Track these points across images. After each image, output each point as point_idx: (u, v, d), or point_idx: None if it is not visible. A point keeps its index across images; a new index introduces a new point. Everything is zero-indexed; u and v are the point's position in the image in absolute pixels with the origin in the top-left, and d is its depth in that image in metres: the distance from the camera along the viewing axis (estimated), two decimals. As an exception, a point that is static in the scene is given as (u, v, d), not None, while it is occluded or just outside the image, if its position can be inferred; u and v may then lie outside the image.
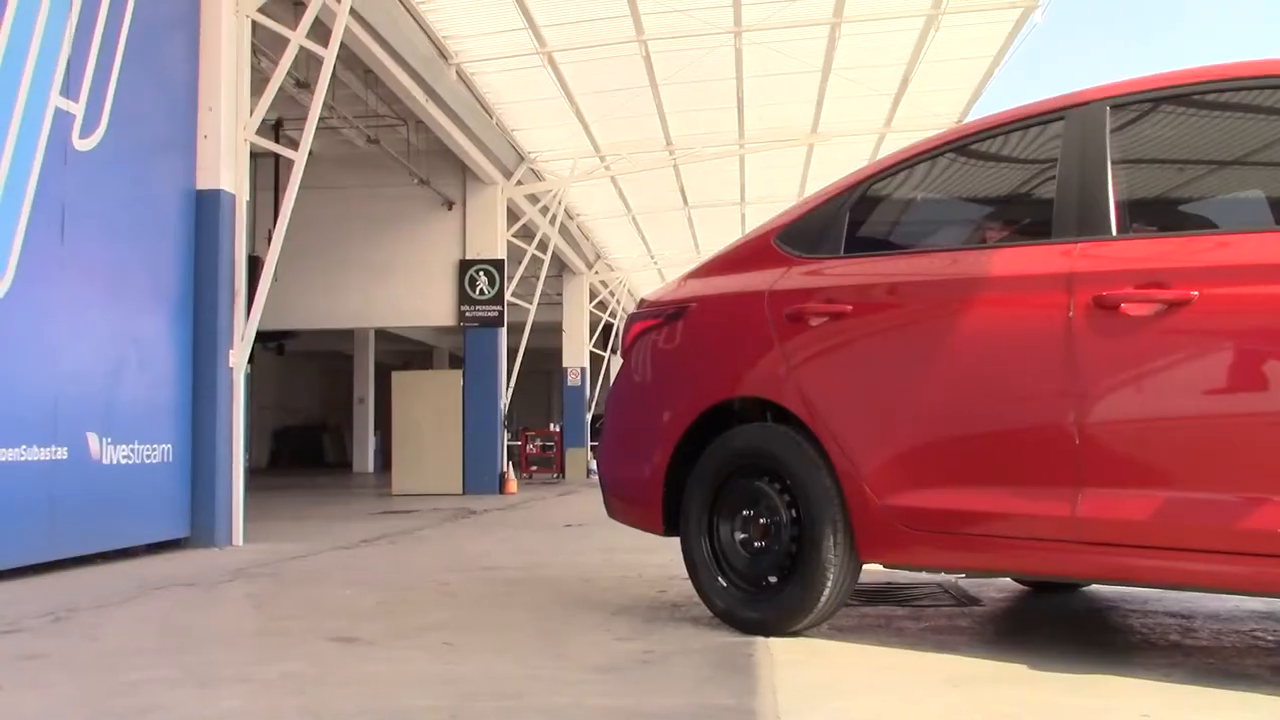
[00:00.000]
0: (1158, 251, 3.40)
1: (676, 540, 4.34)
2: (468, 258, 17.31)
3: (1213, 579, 3.24)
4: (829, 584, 3.84)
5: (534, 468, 23.68)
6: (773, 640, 3.91)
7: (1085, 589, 5.06)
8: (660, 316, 4.60)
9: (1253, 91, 3.51)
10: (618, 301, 28.93)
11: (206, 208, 8.27)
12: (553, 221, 19.04)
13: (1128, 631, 4.16)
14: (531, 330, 19.34)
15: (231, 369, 8.34)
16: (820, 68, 14.50)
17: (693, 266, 4.89)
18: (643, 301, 4.92)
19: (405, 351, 33.01)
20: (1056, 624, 4.40)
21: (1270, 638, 3.89)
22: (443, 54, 13.59)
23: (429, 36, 13.12)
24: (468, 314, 17.23)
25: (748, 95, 15.46)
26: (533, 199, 18.62)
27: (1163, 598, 4.76)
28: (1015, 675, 3.37)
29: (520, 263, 18.93)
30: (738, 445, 4.18)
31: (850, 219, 4.20)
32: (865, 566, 3.94)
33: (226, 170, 8.38)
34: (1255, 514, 3.03)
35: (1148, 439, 3.27)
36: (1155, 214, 3.76)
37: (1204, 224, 3.81)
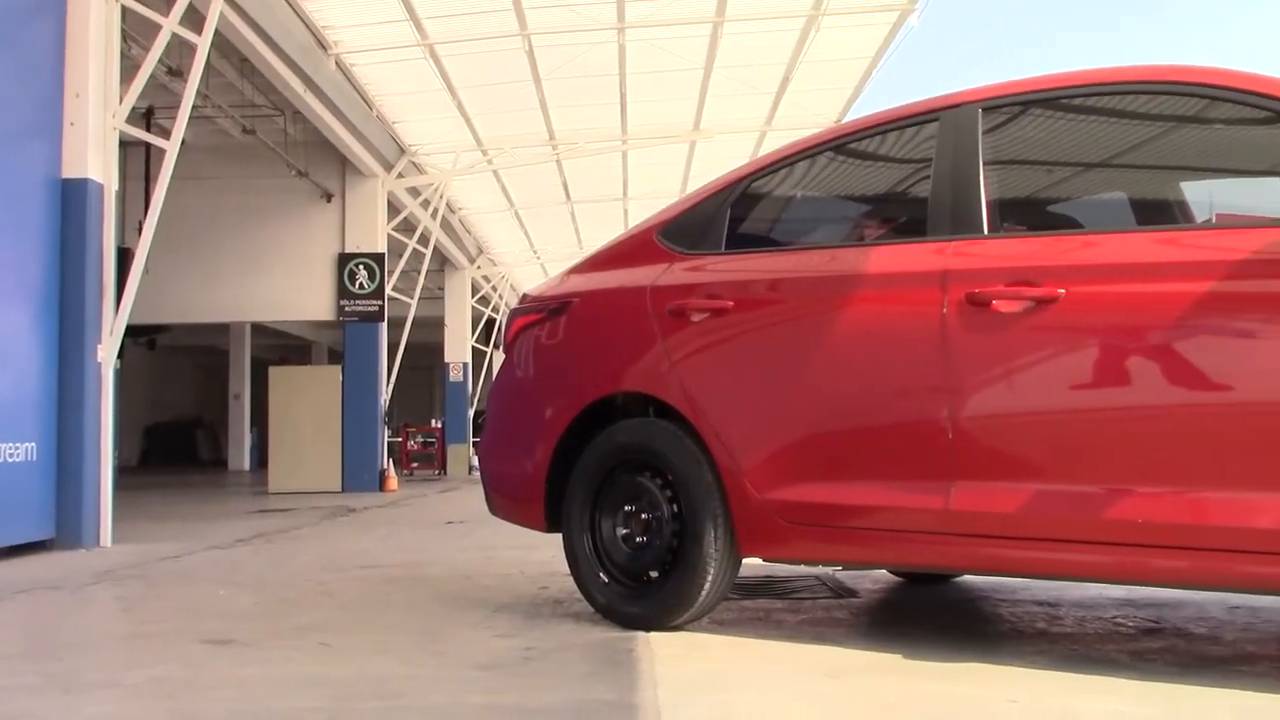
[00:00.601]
0: (1027, 250, 3.49)
1: (559, 536, 4.32)
2: (347, 251, 17.03)
3: (1078, 568, 3.34)
4: (709, 578, 3.87)
5: (415, 464, 23.45)
6: (654, 635, 3.92)
7: (957, 579, 5.18)
8: (543, 312, 4.59)
9: (1117, 96, 3.62)
10: (500, 296, 28.77)
11: (73, 197, 7.99)
12: (434, 215, 18.85)
13: (998, 620, 4.28)
14: (413, 325, 19.11)
15: (100, 364, 8.09)
16: (702, 65, 14.61)
17: (576, 262, 4.89)
18: (525, 296, 4.90)
19: (283, 346, 32.37)
20: (930, 614, 4.50)
21: (1130, 624, 4.03)
22: (321, 44, 13.35)
23: (307, 26, 12.87)
24: (347, 308, 16.95)
25: (631, 91, 15.50)
26: (414, 192, 18.40)
27: (1030, 587, 4.90)
28: (890, 665, 3.43)
29: (401, 257, 18.70)
30: (620, 441, 4.19)
31: (732, 215, 4.23)
32: (745, 560, 3.98)
33: (94, 158, 8.12)
34: (1118, 504, 3.14)
35: (1017, 433, 3.36)
36: (1025, 213, 3.86)
37: (1071, 224, 3.94)
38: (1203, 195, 3.79)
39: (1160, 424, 3.13)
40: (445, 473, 23.52)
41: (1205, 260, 3.13)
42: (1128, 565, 3.19)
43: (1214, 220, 3.63)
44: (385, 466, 16.91)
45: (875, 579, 5.29)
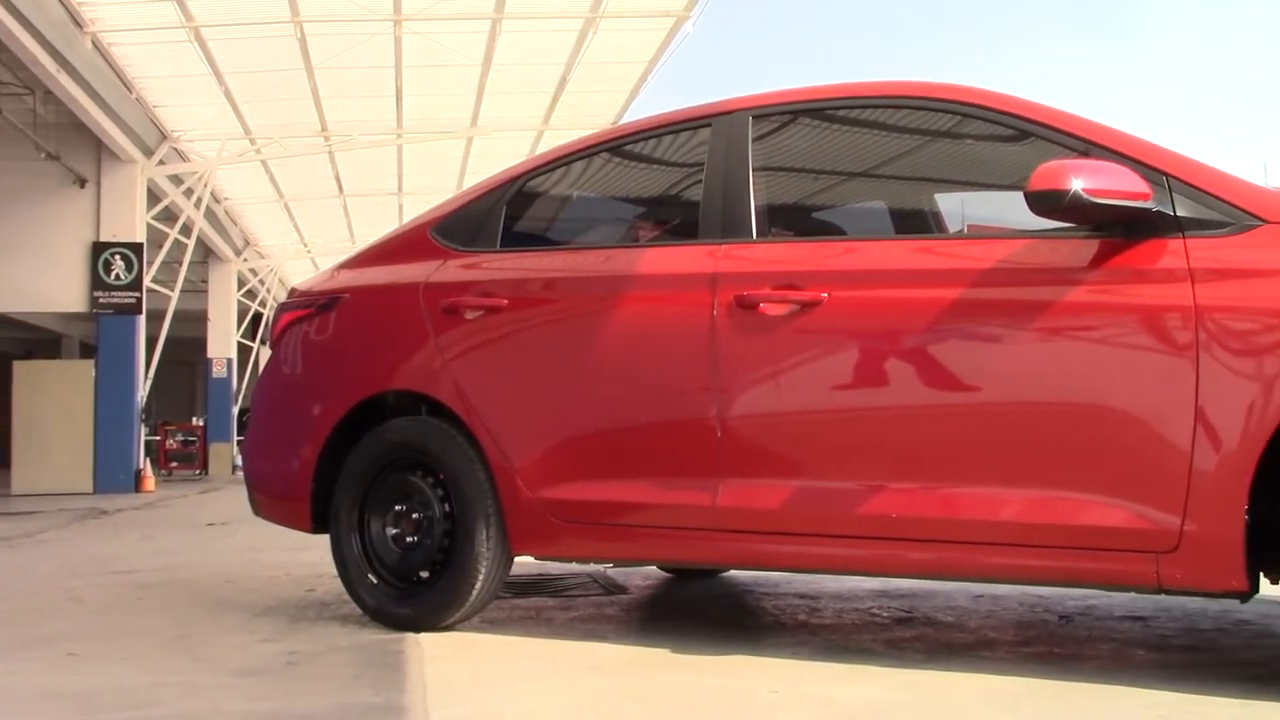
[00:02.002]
0: (793, 255, 3.60)
1: (326, 538, 4.22)
2: (102, 240, 16.15)
3: (838, 562, 3.48)
4: (481, 578, 3.84)
5: (174, 464, 22.53)
6: (423, 636, 3.87)
7: (724, 574, 5.31)
8: (311, 307, 4.47)
9: (878, 109, 3.78)
10: (268, 290, 27.86)
11: None
12: (198, 205, 18.11)
13: (761, 613, 4.41)
14: (174, 319, 18.31)
15: None
16: (481, 61, 14.53)
17: (347, 256, 4.78)
18: (293, 291, 4.76)
19: (29, 339, 30.44)
20: (697, 609, 4.59)
21: (884, 614, 4.22)
22: (77, 20, 12.65)
23: (61, 1, 12.16)
24: (101, 300, 16.08)
25: (407, 85, 15.28)
26: (176, 180, 17.64)
27: (793, 580, 5.06)
28: (659, 660, 3.49)
29: (162, 247, 17.86)
30: (391, 439, 4.12)
31: (507, 213, 4.22)
32: (518, 559, 3.97)
33: None
34: (875, 500, 3.28)
35: (782, 431, 3.47)
36: (792, 219, 3.99)
37: (835, 230, 4.09)
38: (956, 206, 4.00)
39: (914, 423, 3.28)
40: (207, 473, 22.64)
41: (957, 268, 3.30)
42: (883, 558, 3.34)
43: (966, 230, 3.84)
44: (141, 466, 16.14)
45: (646, 575, 5.37)
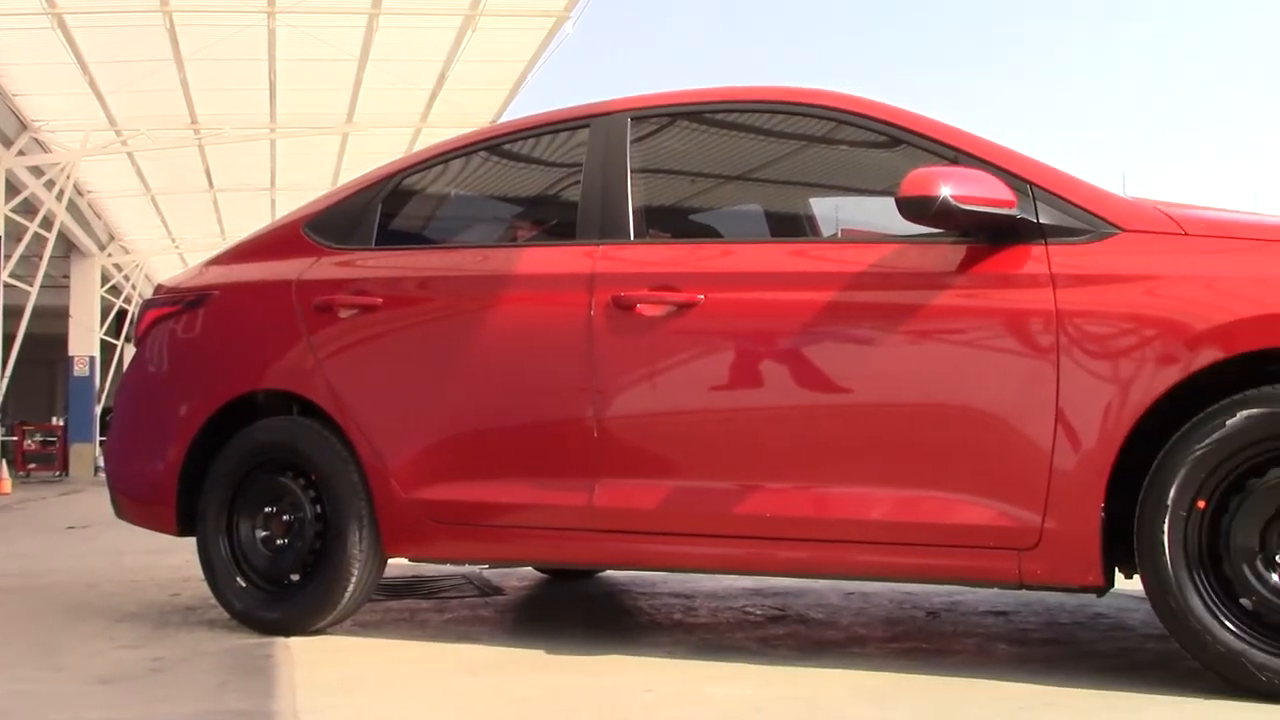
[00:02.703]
0: (670, 256, 3.62)
1: (193, 540, 4.11)
2: (-45, 232, 15.50)
3: (713, 561, 3.52)
4: (353, 580, 3.79)
5: (33, 465, 21.73)
6: (293, 640, 3.80)
7: (601, 574, 5.32)
8: (179, 304, 4.35)
9: (754, 114, 3.83)
10: (134, 287, 27.04)
11: None
12: (60, 197, 17.49)
13: (637, 613, 4.42)
14: (33, 315, 17.64)
15: None
16: (357, 56, 14.31)
17: (217, 252, 4.67)
18: (160, 287, 4.63)
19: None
20: (573, 609, 4.59)
21: (758, 612, 4.27)
22: (-72, 3, 12.12)
23: (-88, -18, 11.65)
24: (-46, 295, 15.42)
25: (281, 78, 14.96)
26: (37, 172, 17.00)
27: (669, 580, 5.09)
28: (533, 661, 3.48)
29: (20, 241, 17.20)
30: (261, 439, 4.03)
31: (383, 211, 4.16)
32: (392, 560, 3.93)
33: None
34: (749, 500, 3.32)
35: (659, 432, 3.49)
36: (670, 221, 4.01)
37: (711, 233, 4.13)
38: (831, 211, 4.07)
39: (788, 424, 3.33)
40: (67, 474, 21.87)
41: (831, 271, 3.35)
42: (758, 557, 3.39)
43: (840, 234, 3.91)
44: (-3, 468, 15.53)
45: (522, 576, 5.35)
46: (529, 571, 5.38)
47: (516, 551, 3.76)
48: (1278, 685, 2.72)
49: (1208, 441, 2.81)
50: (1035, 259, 3.06)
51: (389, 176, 4.23)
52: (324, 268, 4.07)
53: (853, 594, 4.59)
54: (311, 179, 19.18)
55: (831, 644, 3.67)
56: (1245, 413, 2.79)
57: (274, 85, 15.19)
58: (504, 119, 15.22)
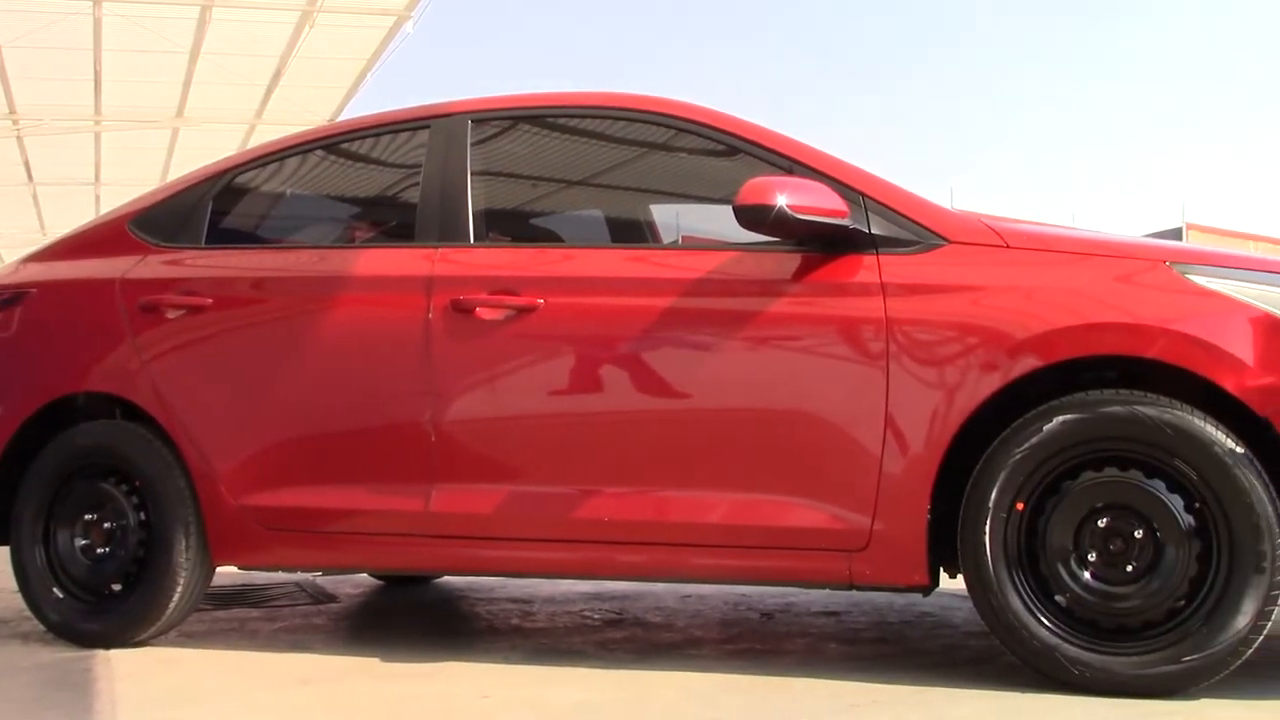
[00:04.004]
0: (510, 260, 3.61)
1: (4, 550, 3.92)
2: None
3: (551, 565, 3.52)
4: (179, 590, 3.66)
5: None
6: (115, 653, 3.66)
7: (437, 580, 5.26)
8: (-8, 302, 4.15)
9: (595, 120, 3.84)
10: (-55, 283, 25.65)
11: None
12: None
13: (474, 619, 4.39)
14: None
15: None
16: (189, 49, 13.90)
17: (36, 249, 4.47)
18: (-28, 285, 4.40)
19: None
20: (409, 616, 4.53)
21: (596, 616, 4.29)
22: None
23: None
24: None
25: (107, 69, 14.44)
26: None
27: (506, 585, 5.07)
28: (367, 669, 3.42)
29: None
30: (81, 444, 3.87)
31: (214, 209, 4.04)
32: (220, 569, 3.82)
33: None
34: (587, 504, 3.33)
35: (497, 436, 3.47)
36: (511, 225, 4.00)
37: (552, 237, 4.13)
38: (671, 217, 4.12)
39: (626, 429, 3.35)
40: None
41: (670, 278, 3.39)
42: (596, 561, 3.41)
43: (680, 241, 3.96)
44: None
45: (356, 583, 5.25)
46: (364, 578, 5.29)
47: (351, 558, 3.70)
48: (1089, 679, 2.86)
49: (1026, 446, 2.93)
50: (867, 268, 3.15)
51: (221, 173, 4.11)
52: (150, 266, 3.94)
53: (689, 597, 4.64)
54: (139, 175, 18.53)
55: (668, 646, 3.70)
56: (1061, 418, 2.92)
57: (100, 76, 14.65)
58: (343, 118, 14.95)
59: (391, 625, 4.37)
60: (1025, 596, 2.95)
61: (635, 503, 3.31)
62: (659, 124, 3.65)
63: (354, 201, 4.42)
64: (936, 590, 3.22)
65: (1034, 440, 2.92)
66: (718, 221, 3.60)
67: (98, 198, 20.48)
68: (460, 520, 3.44)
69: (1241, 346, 2.86)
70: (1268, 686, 2.96)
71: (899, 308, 3.09)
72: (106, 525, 3.79)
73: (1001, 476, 2.94)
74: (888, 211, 3.21)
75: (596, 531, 3.32)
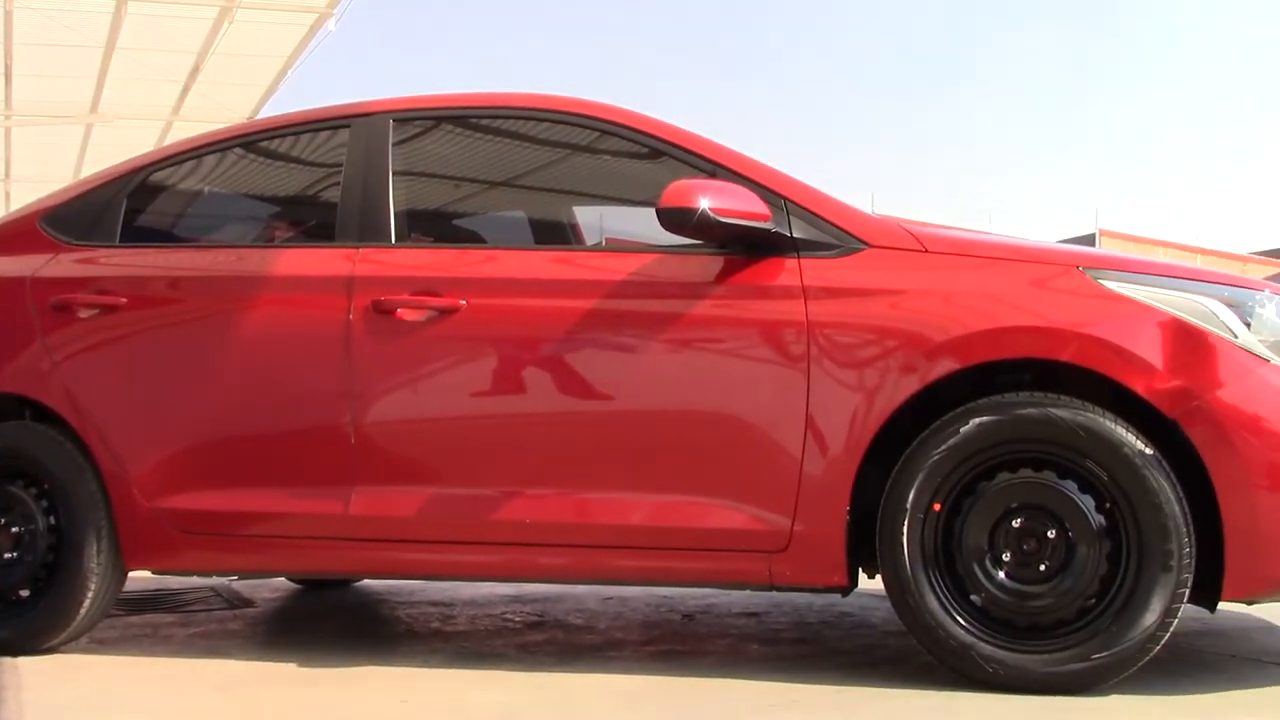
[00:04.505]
0: (432, 261, 3.59)
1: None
2: None
3: (473, 568, 3.51)
4: (89, 595, 3.58)
5: None
6: (22, 660, 3.56)
7: (356, 584, 5.20)
8: (-105, 299, 4.02)
9: (519, 120, 3.83)
10: None
11: None
12: None
13: (394, 623, 4.35)
14: None
15: None
16: (104, 44, 13.61)
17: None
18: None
19: None
20: (328, 621, 4.48)
21: (517, 619, 4.27)
22: None
23: None
24: None
25: (18, 63, 14.10)
26: None
27: (427, 588, 5.02)
28: (285, 675, 3.37)
29: None
30: (-12, 446, 3.77)
31: (129, 206, 3.96)
32: (134, 573, 3.74)
33: None
34: (509, 506, 3.32)
35: (418, 438, 3.45)
36: (432, 225, 3.97)
37: (475, 238, 4.11)
38: (595, 219, 4.12)
39: (549, 431, 3.35)
40: None
41: (594, 279, 3.40)
42: (517, 563, 3.40)
43: (604, 243, 3.96)
44: None
45: (274, 587, 5.18)
46: (281, 582, 5.22)
47: (269, 562, 3.65)
48: (1003, 676, 2.91)
49: (943, 448, 2.97)
50: (788, 271, 3.18)
51: (136, 170, 4.03)
52: (62, 265, 3.85)
53: (611, 599, 4.64)
54: (51, 171, 18.09)
55: (589, 648, 3.70)
56: (977, 420, 2.96)
57: (9, 70, 14.31)
58: (262, 116, 14.73)
59: (309, 630, 4.31)
60: (942, 596, 2.99)
61: (557, 505, 3.30)
62: (583, 126, 3.65)
63: (273, 201, 4.36)
64: (855, 591, 3.25)
65: (951, 442, 2.97)
66: (641, 224, 3.60)
67: (7, 195, 20.00)
68: (380, 523, 3.41)
69: (1151, 350, 2.93)
70: (1175, 682, 3.03)
71: (820, 311, 3.12)
72: (14, 530, 3.69)
73: (919, 478, 2.99)
74: (809, 215, 3.24)
75: (518, 534, 3.32)
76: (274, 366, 3.58)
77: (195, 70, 14.68)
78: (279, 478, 3.54)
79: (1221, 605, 3.07)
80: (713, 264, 3.24)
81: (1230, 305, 2.99)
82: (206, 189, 4.25)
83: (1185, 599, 2.88)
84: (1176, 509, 2.84)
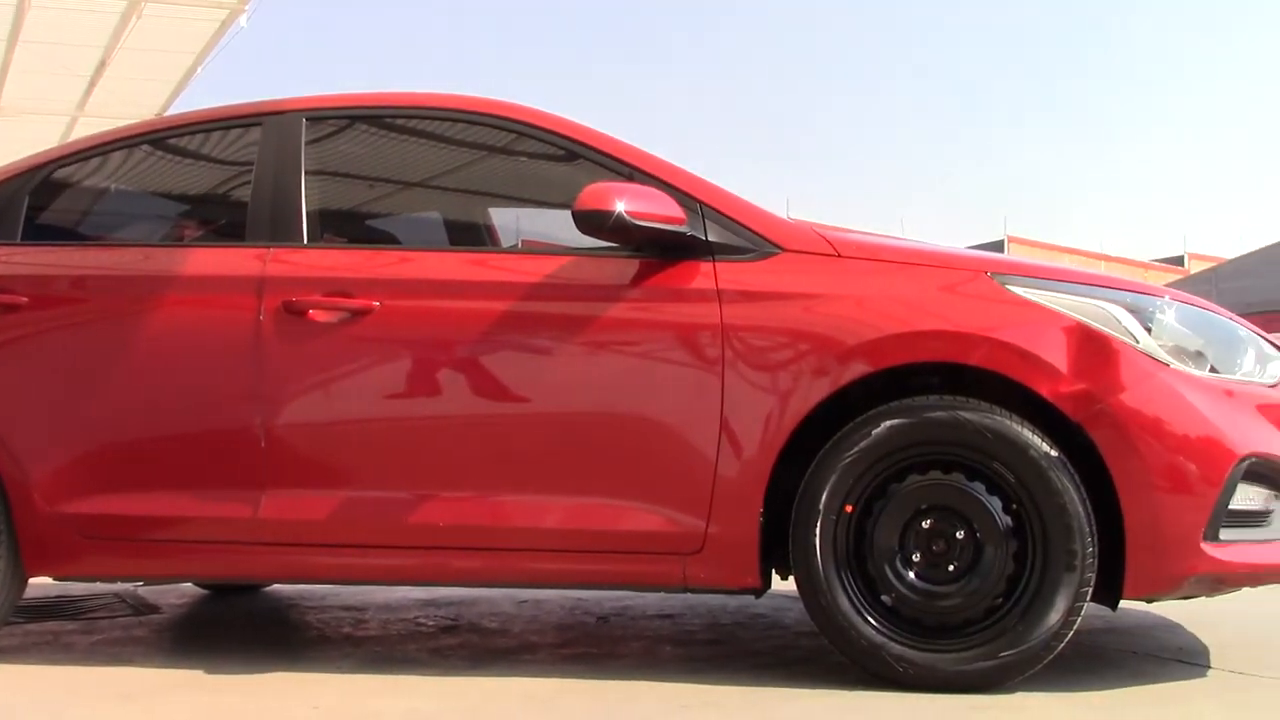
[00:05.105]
0: (346, 262, 3.55)
1: None
2: None
3: (385, 572, 3.48)
4: (-12, 601, 3.49)
5: None
6: (-84, 669, 3.46)
7: (266, 589, 5.12)
8: None
9: (434, 121, 3.80)
10: None
11: None
12: None
13: (305, 628, 4.29)
14: None
15: None
16: (6, 36, 13.25)
17: None
18: None
19: None
20: (236, 626, 4.41)
21: (430, 623, 4.24)
22: None
23: None
24: None
25: (-85, 54, 13.66)
26: None
27: (339, 593, 4.96)
28: (191, 682, 3.31)
29: None
30: (-120, 449, 3.65)
31: (31, 203, 3.86)
32: (34, 580, 3.65)
33: None
34: (423, 509, 3.29)
35: (330, 441, 3.41)
36: (346, 226, 3.93)
37: (390, 239, 4.08)
38: (511, 221, 4.10)
39: (463, 433, 3.33)
40: None
41: (509, 281, 3.39)
42: (431, 567, 3.37)
43: (520, 245, 3.95)
44: None
45: (180, 593, 5.08)
46: (188, 588, 5.12)
47: (175, 567, 3.58)
48: (913, 675, 2.95)
49: (855, 450, 3.01)
50: (703, 275, 3.20)
51: (39, 166, 3.93)
52: (-39, 262, 3.74)
53: (526, 602, 4.62)
54: (-51, 166, 17.59)
55: (503, 652, 3.68)
56: (889, 423, 3.01)
57: (-95, 61, 13.85)
58: (170, 112, 14.45)
59: (217, 636, 4.24)
60: (853, 597, 3.03)
61: (471, 507, 3.29)
62: (498, 127, 3.64)
63: (182, 199, 4.28)
64: (769, 592, 3.28)
65: (863, 444, 3.01)
66: (557, 226, 3.60)
67: (-97, 190, 19.38)
68: (291, 527, 3.36)
69: (1056, 354, 3.00)
70: (1079, 679, 3.10)
71: (734, 314, 3.14)
72: (-93, 536, 3.58)
73: (832, 480, 3.02)
74: (724, 219, 3.26)
75: (431, 537, 3.29)
76: (182, 368, 3.51)
77: (102, 65, 14.33)
78: (187, 481, 3.48)
79: (1123, 603, 3.15)
80: (628, 267, 3.25)
81: (1132, 311, 3.07)
82: (113, 186, 4.16)
83: (1088, 598, 2.95)
84: (1080, 510, 2.90)
